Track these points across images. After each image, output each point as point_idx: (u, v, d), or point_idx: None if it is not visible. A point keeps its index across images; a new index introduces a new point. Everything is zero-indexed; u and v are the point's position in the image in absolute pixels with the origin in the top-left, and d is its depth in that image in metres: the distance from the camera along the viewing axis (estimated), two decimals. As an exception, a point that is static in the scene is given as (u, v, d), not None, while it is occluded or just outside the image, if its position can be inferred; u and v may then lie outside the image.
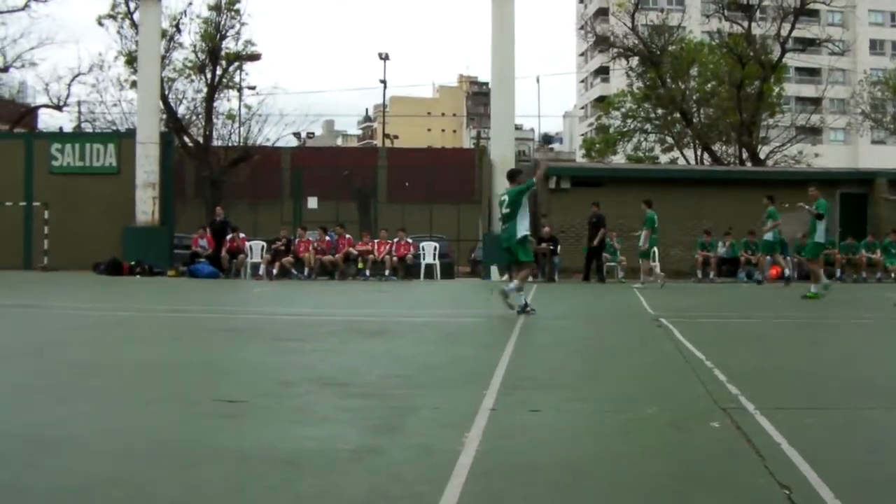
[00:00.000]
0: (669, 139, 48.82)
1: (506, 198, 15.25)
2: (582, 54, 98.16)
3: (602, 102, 63.29)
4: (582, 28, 63.05)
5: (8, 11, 43.61)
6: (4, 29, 49.80)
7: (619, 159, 50.61)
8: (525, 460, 5.22)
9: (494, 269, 27.93)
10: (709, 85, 46.99)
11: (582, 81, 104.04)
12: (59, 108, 46.35)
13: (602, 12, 73.49)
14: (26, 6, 43.37)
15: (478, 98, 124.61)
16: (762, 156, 44.79)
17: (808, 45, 49.89)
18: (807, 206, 20.50)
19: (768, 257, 26.94)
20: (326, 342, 11.27)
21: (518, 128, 64.95)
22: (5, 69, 45.35)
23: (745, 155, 44.09)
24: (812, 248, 20.87)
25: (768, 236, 25.58)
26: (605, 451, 5.59)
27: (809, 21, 50.11)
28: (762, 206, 25.61)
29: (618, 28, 46.63)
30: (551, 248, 27.95)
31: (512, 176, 15.93)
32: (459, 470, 4.90)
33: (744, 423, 6.13)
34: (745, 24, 44.28)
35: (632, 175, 34.06)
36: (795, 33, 45.30)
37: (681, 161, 48.27)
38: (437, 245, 29.63)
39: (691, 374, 8.46)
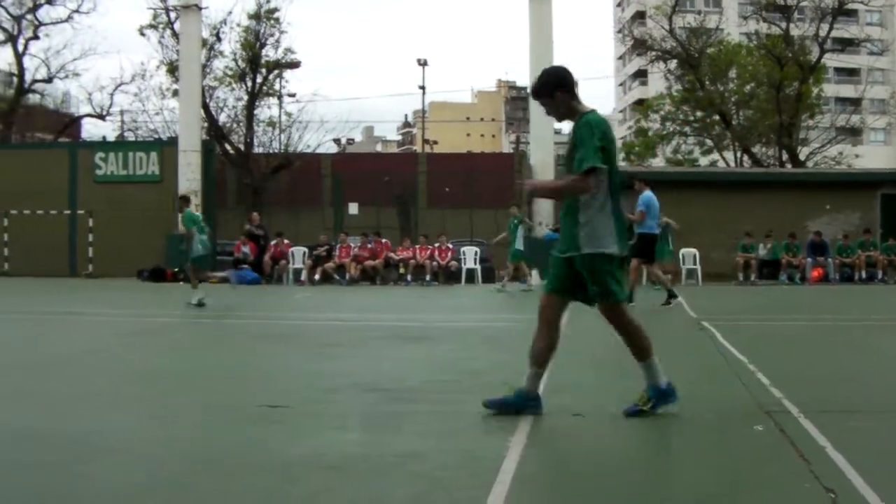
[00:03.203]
0: (709, 141, 48.63)
1: None
2: (620, 58, 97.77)
3: (641, 105, 63.09)
4: (620, 31, 62.85)
5: (52, 23, 44.43)
6: (48, 40, 50.57)
7: (658, 162, 50.44)
8: (569, 466, 5.23)
9: (535, 273, 27.89)
10: (747, 87, 46.75)
11: (620, 85, 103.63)
12: (102, 117, 46.95)
13: (639, 15, 73.25)
14: (69, 18, 44.08)
15: (516, 102, 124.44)
16: (802, 157, 44.50)
17: (846, 45, 49.48)
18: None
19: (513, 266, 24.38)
20: (369, 348, 11.33)
21: (557, 132, 64.73)
22: (49, 80, 46.00)
23: (784, 157, 43.83)
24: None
25: (518, 244, 23.56)
26: (649, 456, 5.59)
27: (848, 21, 49.73)
28: (508, 214, 24.42)
29: (655, 31, 46.50)
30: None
31: None
32: (503, 476, 4.89)
33: (788, 427, 6.10)
34: (783, 25, 44.02)
35: (672, 178, 33.88)
36: (834, 33, 44.96)
37: (720, 163, 48.06)
38: (478, 250, 29.62)
39: (734, 378, 8.43)
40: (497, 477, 4.86)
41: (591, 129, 6.37)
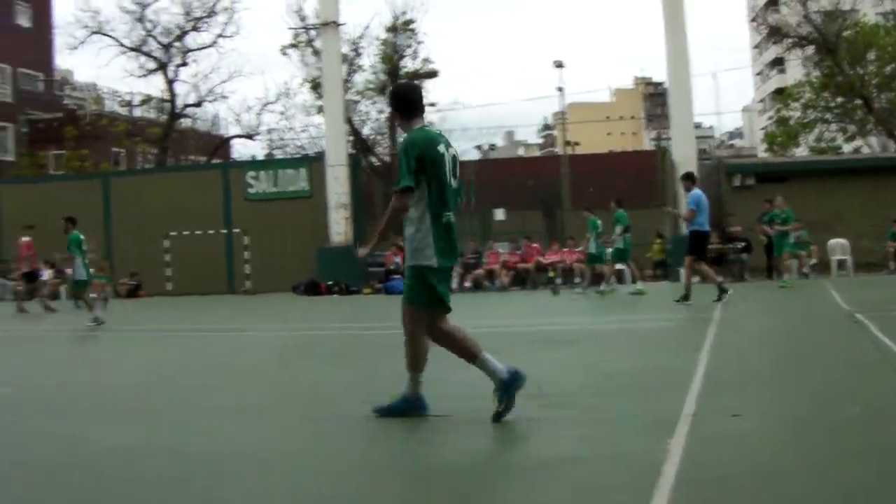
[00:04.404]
0: (851, 127, 47.54)
1: None
2: (756, 46, 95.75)
3: (780, 94, 61.82)
4: (754, 20, 61.77)
5: (198, 49, 46.12)
6: (196, 66, 52.61)
7: (801, 152, 49.49)
8: (730, 469, 5.19)
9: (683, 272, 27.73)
10: (888, 68, 45.51)
11: (758, 74, 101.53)
12: (250, 136, 48.60)
13: (773, 2, 71.72)
14: (214, 43, 45.70)
15: (654, 99, 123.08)
16: (948, 137, 43.25)
17: None
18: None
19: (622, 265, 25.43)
20: (521, 352, 11.25)
21: (697, 126, 64.11)
22: (199, 104, 47.78)
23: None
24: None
25: (619, 244, 23.83)
26: (810, 455, 5.53)
27: None
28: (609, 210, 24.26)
29: (790, 17, 45.70)
30: (741, 246, 27.70)
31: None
32: (664, 480, 4.84)
33: (945, 421, 5.95)
34: (921, 1, 42.86)
35: (816, 167, 33.34)
36: (975, 7, 43.59)
37: (864, 149, 46.96)
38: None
39: (890, 371, 8.40)
40: (657, 481, 4.80)
41: (406, 148, 6.67)
